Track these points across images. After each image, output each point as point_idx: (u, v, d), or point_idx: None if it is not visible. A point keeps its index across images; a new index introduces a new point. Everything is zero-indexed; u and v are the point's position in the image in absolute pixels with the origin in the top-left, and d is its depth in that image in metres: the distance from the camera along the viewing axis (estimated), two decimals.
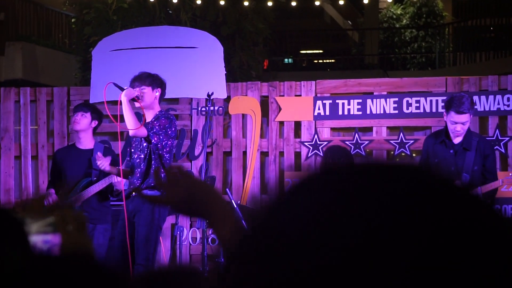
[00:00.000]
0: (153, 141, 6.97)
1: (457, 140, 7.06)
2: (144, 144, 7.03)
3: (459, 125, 6.95)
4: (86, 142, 7.76)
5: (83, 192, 7.58)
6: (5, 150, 9.62)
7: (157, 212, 6.97)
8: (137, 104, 7.08)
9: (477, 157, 6.99)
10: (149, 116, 7.15)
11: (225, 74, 9.68)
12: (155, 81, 7.20)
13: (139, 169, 7.02)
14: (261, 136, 9.48)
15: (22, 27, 19.19)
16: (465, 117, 6.94)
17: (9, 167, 9.60)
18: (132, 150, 7.20)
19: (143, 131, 6.94)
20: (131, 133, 7.02)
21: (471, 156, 6.98)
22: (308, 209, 0.84)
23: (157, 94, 7.19)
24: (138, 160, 7.08)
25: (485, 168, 7.05)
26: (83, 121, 7.69)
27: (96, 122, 7.77)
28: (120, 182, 7.30)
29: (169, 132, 7.03)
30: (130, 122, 6.87)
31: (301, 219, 0.84)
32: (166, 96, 9.39)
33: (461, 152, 7.02)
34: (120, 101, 6.96)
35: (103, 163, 7.18)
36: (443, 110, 7.28)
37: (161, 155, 6.99)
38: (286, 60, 22.28)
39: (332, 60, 23.12)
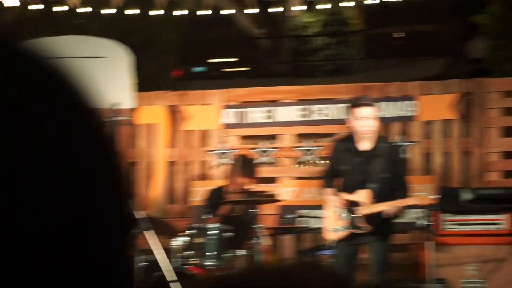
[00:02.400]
0: None
1: (365, 145, 6.89)
2: None
3: (365, 120, 6.79)
4: None
5: None
6: None
7: None
8: None
9: (385, 163, 6.85)
10: None
11: (134, 83, 9.63)
12: None
13: None
14: (169, 146, 9.47)
15: None
16: (369, 111, 6.82)
17: None
18: None
19: None
20: None
21: (380, 163, 6.85)
22: None
23: None
24: None
25: (396, 175, 6.89)
26: None
27: None
28: None
29: None
30: None
31: None
32: None
33: (370, 159, 6.87)
34: None
35: None
36: (348, 113, 7.10)
37: None
38: (197, 69, 22.29)
39: (244, 69, 23.23)
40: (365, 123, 6.83)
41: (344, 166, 6.92)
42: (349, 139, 6.98)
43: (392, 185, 6.85)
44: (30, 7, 14.06)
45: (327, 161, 7.27)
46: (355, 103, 6.87)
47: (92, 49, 9.77)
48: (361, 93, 7.39)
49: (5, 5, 13.71)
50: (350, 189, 6.92)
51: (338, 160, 6.97)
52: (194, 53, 21.30)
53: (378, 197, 6.82)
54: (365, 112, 6.82)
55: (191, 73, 21.53)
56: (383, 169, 6.85)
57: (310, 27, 22.32)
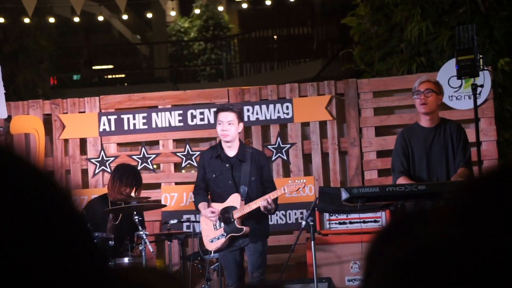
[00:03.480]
0: None
1: (232, 151, 7.17)
2: None
3: (224, 124, 7.05)
4: None
5: None
6: None
7: None
8: None
9: (252, 168, 7.13)
10: None
11: (5, 93, 9.39)
12: None
13: None
14: (46, 155, 9.28)
15: None
16: (228, 115, 7.07)
17: None
18: None
19: None
20: None
21: (247, 168, 7.11)
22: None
23: None
24: None
25: (263, 178, 7.20)
26: None
27: None
28: None
29: None
30: None
31: None
32: None
33: (237, 164, 7.14)
34: None
35: None
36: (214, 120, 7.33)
37: None
38: (75, 76, 21.95)
39: (123, 75, 23.02)
40: (225, 126, 7.08)
41: (213, 174, 7.11)
42: (216, 148, 7.23)
43: (261, 188, 7.12)
44: None
45: (197, 174, 7.40)
46: (219, 110, 7.12)
47: None
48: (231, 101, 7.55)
49: None
50: (220, 196, 7.09)
51: (207, 169, 7.16)
52: (69, 60, 20.96)
53: (248, 200, 7.03)
54: (225, 116, 7.08)
55: (67, 80, 21.16)
56: (250, 173, 7.08)
57: (188, 32, 22.33)
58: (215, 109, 7.30)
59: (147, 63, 23.48)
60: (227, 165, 7.12)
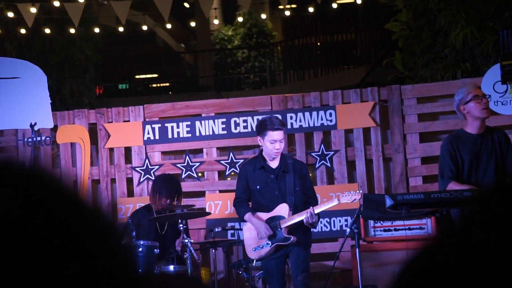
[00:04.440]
0: None
1: (275, 163, 7.18)
2: None
3: (277, 143, 7.07)
4: None
5: None
6: None
7: None
8: None
9: (295, 178, 7.14)
10: None
11: (51, 103, 9.51)
12: None
13: None
14: (92, 164, 9.37)
15: None
16: (281, 134, 7.10)
17: None
18: None
19: None
20: None
21: (290, 178, 7.13)
22: None
23: None
24: None
25: (306, 188, 7.21)
26: None
27: None
28: None
29: None
30: None
31: None
32: None
33: (281, 175, 7.15)
34: None
35: None
36: (257, 134, 7.27)
37: None
38: (120, 85, 22.13)
39: (167, 84, 23.16)
40: (278, 145, 7.09)
41: (257, 185, 7.11)
42: (259, 158, 7.21)
43: (304, 198, 7.14)
44: None
45: (237, 186, 7.37)
46: (266, 126, 7.07)
47: (4, 70, 9.62)
48: (268, 115, 7.53)
49: None
50: (265, 207, 7.09)
51: (250, 181, 7.15)
52: (114, 70, 21.14)
53: (294, 210, 7.01)
54: (279, 135, 7.06)
55: (113, 90, 21.35)
56: (294, 183, 7.10)
57: (232, 40, 22.39)
58: (261, 121, 7.24)
59: (191, 71, 23.59)
60: (272, 176, 7.15)
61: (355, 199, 7.09)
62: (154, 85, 23.23)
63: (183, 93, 19.68)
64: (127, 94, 21.30)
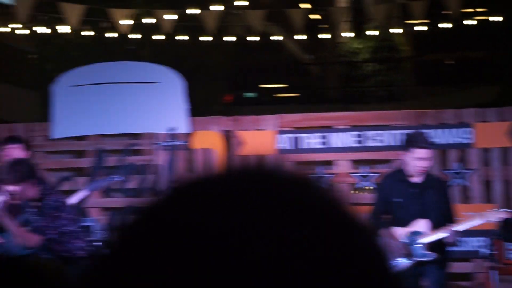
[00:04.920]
0: (51, 236, 6.76)
1: (417, 179, 7.05)
2: None
3: (423, 161, 6.95)
4: None
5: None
6: None
7: None
8: (14, 201, 6.77)
9: (437, 194, 7.00)
10: (34, 204, 6.90)
11: (187, 108, 9.68)
12: (23, 174, 6.73)
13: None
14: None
15: None
16: (428, 152, 6.97)
17: None
18: None
19: (37, 239, 6.68)
20: (28, 246, 6.79)
21: (432, 194, 6.98)
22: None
23: (32, 184, 6.81)
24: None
25: (446, 206, 7.06)
26: (17, 153, 7.49)
27: (29, 153, 7.56)
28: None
29: (62, 214, 6.72)
30: (23, 241, 6.63)
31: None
32: (128, 131, 9.39)
33: (423, 190, 7.02)
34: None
35: None
36: (403, 148, 7.17)
37: (65, 233, 6.80)
38: (248, 94, 22.35)
39: (294, 94, 23.24)
40: (422, 164, 6.96)
41: (397, 199, 6.99)
42: (400, 172, 7.08)
43: (444, 215, 6.98)
44: (82, 33, 14.21)
45: (375, 198, 7.25)
46: (414, 143, 6.94)
47: (144, 75, 9.84)
48: (418, 130, 7.39)
49: (58, 31, 13.89)
50: (404, 221, 6.96)
51: (390, 194, 7.03)
52: (244, 78, 21.37)
53: (435, 226, 6.87)
54: (423, 153, 6.93)
55: (242, 98, 21.59)
56: (436, 200, 6.97)
57: (360, 53, 22.28)
58: (409, 136, 7.13)
59: (319, 83, 23.61)
60: (413, 190, 7.02)
61: (501, 218, 6.89)
62: (282, 95, 23.36)
63: (310, 104, 19.71)
64: (254, 102, 21.49)
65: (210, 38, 14.37)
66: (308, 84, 23.20)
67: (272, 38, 17.70)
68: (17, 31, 14.30)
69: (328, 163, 9.42)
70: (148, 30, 14.03)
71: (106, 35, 14.16)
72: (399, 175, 7.11)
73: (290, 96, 23.29)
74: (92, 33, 13.97)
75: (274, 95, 23.16)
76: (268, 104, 20.77)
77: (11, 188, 6.53)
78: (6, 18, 13.65)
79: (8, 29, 13.72)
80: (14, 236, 6.62)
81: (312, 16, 18.96)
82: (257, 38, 14.94)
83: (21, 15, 10.72)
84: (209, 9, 12.50)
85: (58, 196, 6.91)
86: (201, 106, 14.58)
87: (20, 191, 6.57)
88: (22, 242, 6.66)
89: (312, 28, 21.82)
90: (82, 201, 8.06)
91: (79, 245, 6.86)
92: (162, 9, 12.46)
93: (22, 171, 6.58)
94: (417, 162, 6.95)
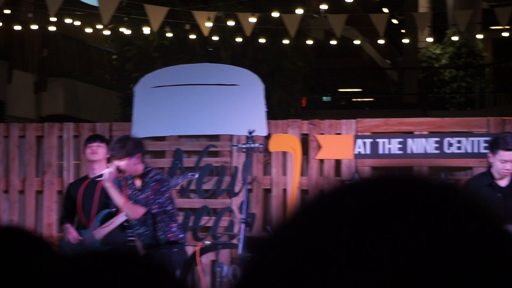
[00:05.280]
0: (154, 210, 7.01)
1: (504, 182, 7.03)
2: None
3: (508, 163, 6.95)
4: (101, 171, 7.67)
5: (105, 225, 7.53)
6: (48, 185, 9.71)
7: (176, 262, 7.12)
8: (121, 176, 7.03)
9: None
10: (138, 179, 7.13)
11: (265, 111, 9.72)
12: (131, 150, 7.02)
13: (139, 231, 7.10)
14: (301, 174, 9.48)
15: (64, 63, 19.45)
16: None
17: (51, 202, 9.68)
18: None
19: (142, 211, 6.97)
20: (133, 219, 7.04)
21: None
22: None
23: (138, 159, 7.07)
24: (134, 222, 7.14)
25: None
26: (101, 151, 7.69)
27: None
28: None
29: (163, 189, 7.04)
30: (128, 212, 6.94)
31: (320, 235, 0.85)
32: (207, 133, 9.49)
33: (509, 194, 7.02)
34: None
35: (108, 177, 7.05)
36: (487, 151, 7.26)
37: (166, 211, 7.06)
38: (324, 98, 22.32)
39: (371, 99, 23.13)
40: (509, 165, 6.99)
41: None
42: (487, 175, 7.06)
43: None
44: (164, 34, 14.39)
45: None
46: (500, 145, 6.93)
47: (224, 77, 9.93)
48: (503, 133, 7.35)
49: (140, 32, 14.09)
50: None
51: None
52: (321, 82, 21.35)
53: None
54: (509, 155, 6.99)
55: (318, 101, 21.57)
56: None
57: (439, 59, 22.04)
58: (495, 139, 7.13)
59: (395, 88, 23.44)
60: (499, 194, 6.99)
61: None
62: (357, 99, 23.27)
63: (387, 109, 19.59)
64: (330, 106, 21.45)
65: (289, 42, 14.39)
66: (384, 89, 23.07)
67: (351, 42, 17.63)
68: (100, 32, 14.57)
69: (406, 169, 9.36)
70: (229, 32, 14.14)
71: (187, 37, 14.31)
72: (485, 179, 7.11)
73: (365, 100, 23.19)
74: (171, 34, 14.14)
75: (352, 99, 23.10)
76: (344, 108, 20.72)
77: (118, 162, 6.83)
78: (90, 19, 13.93)
79: (91, 30, 13.99)
80: (121, 208, 6.90)
81: (390, 21, 18.84)
82: (336, 42, 14.90)
83: (104, 16, 10.93)
84: (289, 13, 12.53)
85: (161, 173, 7.18)
86: (278, 109, 14.61)
87: (127, 165, 6.87)
88: (128, 214, 6.91)
89: (392, 32, 21.69)
90: None
91: (174, 229, 7.08)
92: (243, 12, 12.55)
93: (128, 146, 6.89)
94: (502, 164, 6.93)
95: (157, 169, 7.37)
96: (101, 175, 7.41)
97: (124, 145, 6.95)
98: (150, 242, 7.09)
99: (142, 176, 7.08)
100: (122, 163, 6.89)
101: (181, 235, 7.20)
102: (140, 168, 7.05)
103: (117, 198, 6.93)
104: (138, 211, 6.96)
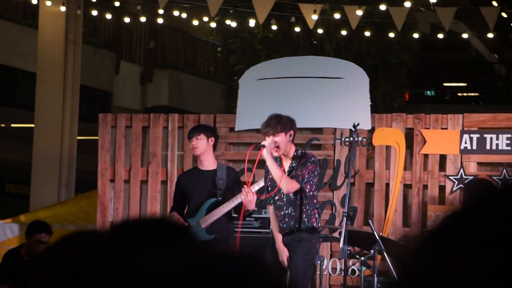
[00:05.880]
0: (306, 190, 7.10)
1: None
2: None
3: None
4: (208, 163, 7.76)
5: (210, 214, 7.60)
6: (152, 175, 9.87)
7: (314, 250, 7.21)
8: (275, 154, 7.16)
9: None
10: (286, 160, 7.25)
11: (370, 105, 9.64)
12: (286, 125, 7.20)
13: (285, 212, 7.17)
14: (405, 168, 9.36)
15: (169, 55, 19.75)
16: None
17: (155, 191, 9.84)
18: (269, 188, 7.31)
19: (297, 186, 7.08)
20: (286, 192, 7.14)
21: None
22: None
23: (290, 137, 7.23)
24: (280, 203, 7.21)
25: None
26: (201, 144, 7.75)
27: (213, 139, 7.81)
28: (252, 202, 7.34)
29: (316, 173, 7.20)
30: (283, 183, 7.04)
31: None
32: (310, 126, 9.46)
33: None
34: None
35: (252, 200, 7.28)
36: None
37: (314, 196, 7.18)
38: (428, 92, 21.99)
39: (476, 94, 22.66)
40: None
41: None
42: None
43: None
44: (269, 27, 14.41)
45: None
46: None
47: (329, 70, 9.88)
48: None
49: (246, 24, 14.15)
50: None
51: None
52: (427, 76, 21.04)
53: None
54: None
55: (422, 96, 21.27)
56: None
57: None
58: None
59: (502, 83, 22.90)
60: None
61: None
62: (463, 94, 22.84)
63: (493, 105, 19.16)
64: (434, 101, 21.12)
65: (395, 35, 14.21)
66: (492, 84, 22.57)
67: (458, 36, 17.30)
68: (206, 25, 14.72)
69: None
70: (334, 25, 14.07)
71: (292, 29, 14.31)
72: None
73: (470, 95, 22.73)
74: (276, 27, 14.16)
75: (456, 94, 22.68)
76: (449, 103, 20.37)
77: (273, 137, 7.04)
78: (197, 11, 14.08)
79: (197, 22, 14.14)
80: (276, 179, 7.05)
81: (500, 15, 18.40)
82: (443, 35, 14.63)
83: (212, 8, 11.03)
84: (397, 5, 12.38)
85: (316, 158, 7.47)
86: (382, 103, 14.46)
87: (281, 141, 7.08)
88: (283, 187, 7.05)
89: (501, 26, 21.18)
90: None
91: (317, 216, 7.18)
92: (349, 5, 12.46)
93: (284, 121, 7.12)
94: None
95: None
96: (210, 170, 7.56)
97: (281, 120, 7.15)
98: (293, 224, 7.16)
99: (293, 158, 7.24)
100: (277, 138, 7.07)
101: (320, 225, 7.30)
102: (291, 148, 7.23)
103: (275, 169, 7.08)
104: (293, 185, 7.09)
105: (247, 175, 7.34)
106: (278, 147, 7.14)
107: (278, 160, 7.32)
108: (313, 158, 7.28)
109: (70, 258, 1.07)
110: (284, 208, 7.24)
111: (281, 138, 7.15)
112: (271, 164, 7.07)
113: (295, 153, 7.29)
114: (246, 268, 0.98)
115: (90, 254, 1.03)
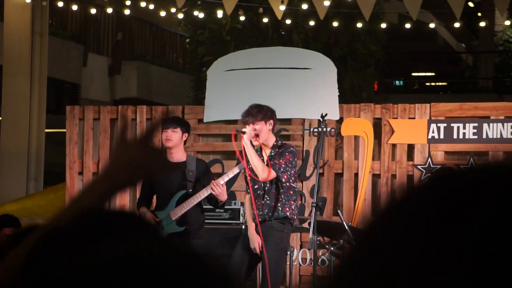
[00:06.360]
0: (283, 179, 7.14)
1: None
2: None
3: None
4: (178, 155, 7.72)
5: (181, 206, 7.59)
6: None
7: (286, 239, 7.19)
8: (255, 142, 7.21)
9: None
10: (267, 149, 7.29)
11: (338, 95, 9.67)
12: (266, 114, 7.28)
13: (262, 201, 7.21)
14: (373, 158, 9.41)
15: (138, 47, 19.65)
16: None
17: None
18: (249, 178, 7.34)
19: (274, 175, 7.13)
20: (262, 179, 7.17)
21: None
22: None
23: (270, 126, 7.29)
24: (260, 192, 7.25)
25: None
26: (175, 137, 7.71)
27: (186, 135, 7.79)
28: (222, 193, 7.36)
29: (294, 163, 7.24)
30: (260, 170, 7.09)
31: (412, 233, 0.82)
32: (279, 117, 9.45)
33: None
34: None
35: (222, 192, 7.32)
36: None
37: (291, 186, 7.22)
38: (397, 82, 22.10)
39: (444, 83, 22.81)
40: None
41: None
42: None
43: None
44: (235, 18, 14.40)
45: None
46: None
47: (297, 61, 9.89)
48: None
49: (218, 15, 14.12)
50: None
51: None
52: (394, 66, 21.13)
53: None
54: None
55: (390, 86, 21.37)
56: None
57: None
58: None
59: (470, 72, 23.07)
60: None
61: None
62: (431, 84, 22.98)
63: (461, 94, 19.29)
64: (402, 91, 21.22)
65: (363, 25, 14.26)
66: (460, 73, 22.73)
67: (425, 26, 17.39)
68: (173, 16, 14.66)
69: (481, 154, 9.20)
70: (302, 15, 14.08)
71: (260, 20, 14.30)
72: None
73: (438, 85, 22.89)
74: (244, 18, 14.15)
75: (424, 83, 22.83)
76: (417, 93, 20.47)
77: (253, 126, 7.08)
78: (164, 2, 14.03)
79: (164, 13, 14.08)
80: (254, 166, 7.12)
81: (466, 4, 18.52)
82: (410, 26, 14.70)
83: None
84: None
85: (295, 148, 7.54)
86: (351, 93, 14.52)
87: (261, 129, 7.13)
88: (260, 174, 7.09)
89: (468, 16, 21.34)
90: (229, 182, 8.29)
91: (293, 207, 7.21)
92: None
93: (265, 110, 7.16)
94: None
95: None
96: (180, 163, 7.53)
97: (261, 109, 7.20)
98: (267, 212, 7.18)
99: (272, 148, 7.28)
100: (257, 126, 7.11)
101: (295, 217, 7.32)
102: (271, 138, 7.26)
103: (253, 156, 7.12)
104: (271, 174, 7.13)
105: (241, 162, 7.36)
106: (257, 135, 7.17)
107: (259, 151, 7.36)
108: (291, 148, 7.34)
109: (26, 251, 1.07)
110: (260, 197, 7.29)
111: (261, 126, 7.21)
112: (249, 151, 7.12)
113: (274, 143, 7.33)
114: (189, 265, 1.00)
115: (45, 247, 1.02)
